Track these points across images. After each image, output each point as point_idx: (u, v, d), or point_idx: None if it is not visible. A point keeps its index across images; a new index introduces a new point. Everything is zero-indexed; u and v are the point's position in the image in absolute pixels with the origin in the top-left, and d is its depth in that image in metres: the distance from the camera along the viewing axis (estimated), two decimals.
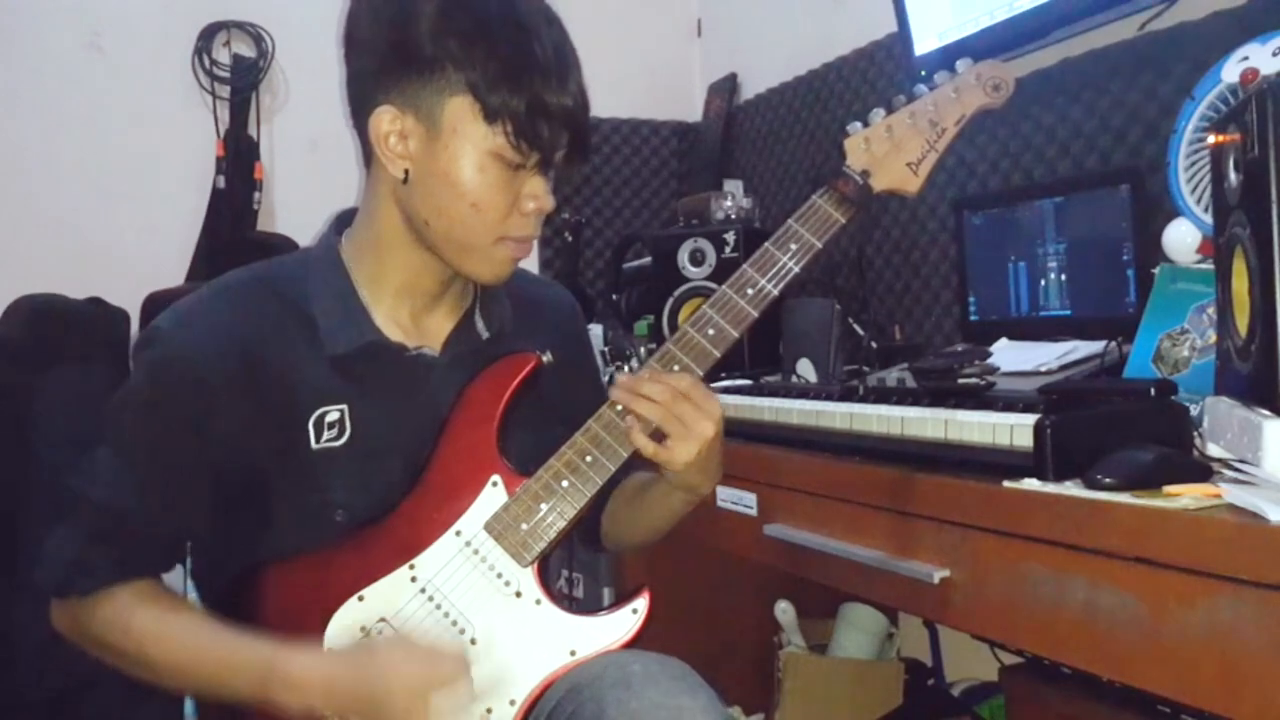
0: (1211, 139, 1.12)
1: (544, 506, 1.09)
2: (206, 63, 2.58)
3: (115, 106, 2.53)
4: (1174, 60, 1.62)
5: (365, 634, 1.08)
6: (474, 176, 1.08)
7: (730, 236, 2.10)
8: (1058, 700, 1.67)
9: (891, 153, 1.17)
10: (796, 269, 1.13)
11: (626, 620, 1.10)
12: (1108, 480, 0.99)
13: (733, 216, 2.16)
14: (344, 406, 1.13)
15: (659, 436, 1.11)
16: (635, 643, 1.10)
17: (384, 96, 1.08)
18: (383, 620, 1.08)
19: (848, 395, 1.40)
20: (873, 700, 2.02)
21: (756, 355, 1.92)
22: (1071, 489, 1.02)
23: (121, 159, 2.53)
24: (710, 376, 1.14)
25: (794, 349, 1.73)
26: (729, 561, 1.86)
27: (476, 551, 1.09)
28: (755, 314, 1.13)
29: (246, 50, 2.62)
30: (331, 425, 1.13)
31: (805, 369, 1.70)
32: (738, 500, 1.52)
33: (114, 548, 1.10)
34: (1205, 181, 1.34)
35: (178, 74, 2.57)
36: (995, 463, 1.11)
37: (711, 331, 1.12)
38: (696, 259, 2.13)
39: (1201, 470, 1.00)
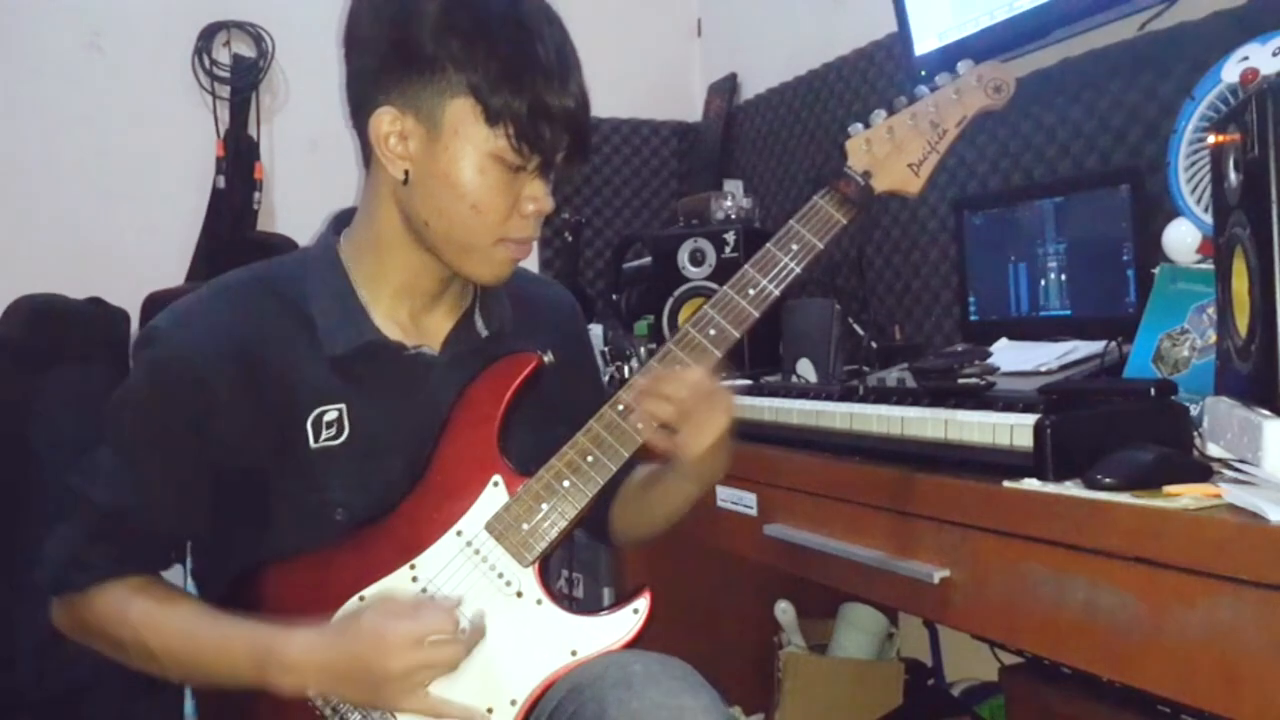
0: (1211, 139, 1.12)
1: (545, 506, 1.09)
2: (206, 63, 2.58)
3: (115, 106, 2.53)
4: (1174, 60, 1.62)
5: None
6: (474, 178, 1.08)
7: (730, 236, 2.10)
8: (1058, 700, 1.67)
9: (893, 154, 1.17)
10: (798, 269, 1.13)
11: (627, 620, 1.10)
12: (1108, 480, 0.99)
13: (733, 216, 2.16)
14: (342, 406, 1.13)
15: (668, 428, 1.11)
16: (636, 643, 1.10)
17: (384, 97, 1.08)
18: None
19: (848, 395, 1.40)
20: (873, 700, 2.02)
21: (756, 355, 1.92)
22: (1071, 489, 1.02)
23: (121, 159, 2.53)
24: None
25: (794, 349, 1.73)
26: (729, 561, 1.86)
27: (477, 551, 1.09)
28: (756, 314, 1.13)
29: (246, 50, 2.62)
30: (330, 424, 1.13)
31: (805, 369, 1.70)
32: (738, 500, 1.52)
33: (113, 546, 1.10)
34: (1205, 181, 1.34)
35: (178, 74, 2.57)
36: (995, 463, 1.11)
37: (713, 332, 1.12)
38: (696, 259, 2.13)
39: (1201, 470, 1.00)
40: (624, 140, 3.03)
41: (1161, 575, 0.92)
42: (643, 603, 1.10)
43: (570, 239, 2.56)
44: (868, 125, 1.18)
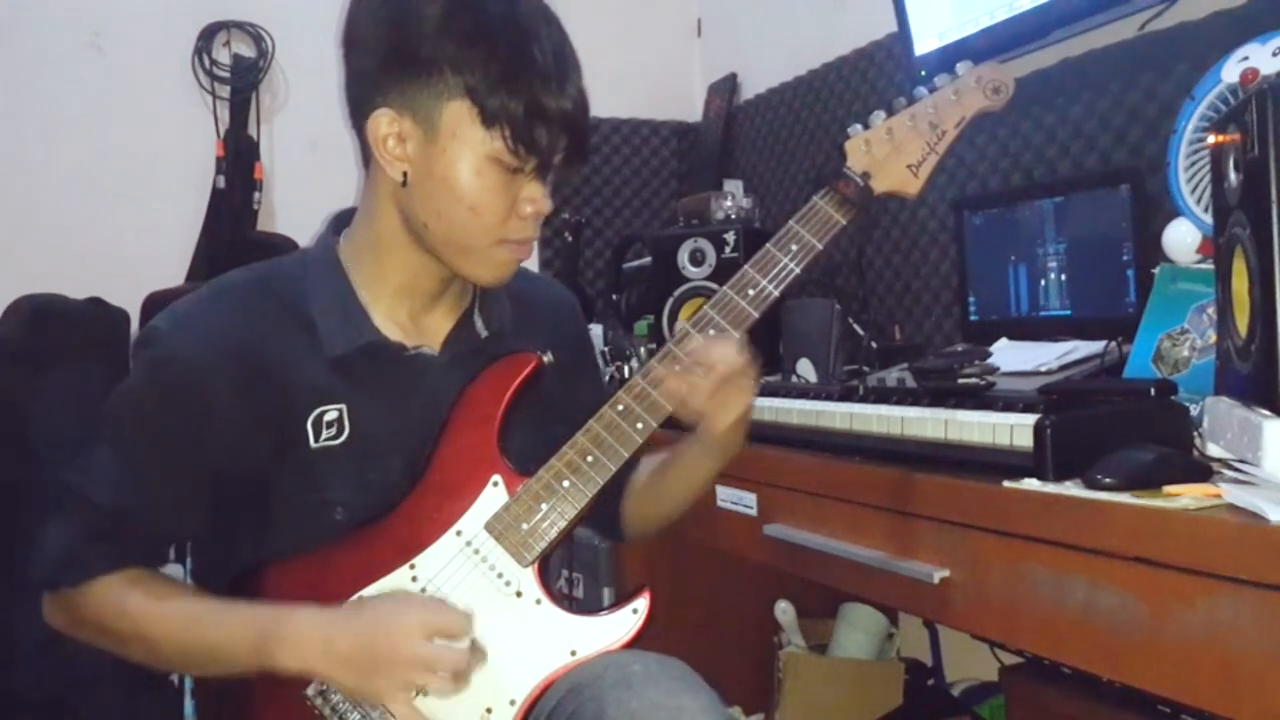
0: (1211, 139, 1.12)
1: (545, 506, 1.09)
2: (206, 63, 2.58)
3: (115, 106, 2.53)
4: (1174, 60, 1.62)
5: None
6: (472, 180, 1.08)
7: (730, 236, 2.10)
8: (1058, 700, 1.67)
9: (892, 155, 1.17)
10: (797, 270, 1.13)
11: (627, 620, 1.10)
12: (1108, 480, 0.99)
13: (733, 216, 2.16)
14: (343, 406, 1.13)
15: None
16: (635, 643, 1.10)
17: (382, 99, 1.08)
18: None
19: (848, 395, 1.40)
20: (873, 700, 2.02)
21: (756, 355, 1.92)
22: (1071, 489, 1.02)
23: (121, 159, 2.53)
24: None
25: (794, 349, 1.73)
26: (729, 561, 1.86)
27: (477, 551, 1.09)
28: (756, 315, 1.13)
29: (246, 50, 2.62)
30: (330, 424, 1.13)
31: (805, 369, 1.70)
32: (738, 500, 1.52)
33: (109, 544, 1.10)
34: (1205, 181, 1.34)
35: (178, 74, 2.57)
36: (995, 463, 1.11)
37: (712, 332, 1.12)
38: (696, 259, 2.13)
39: (1201, 470, 1.00)
40: (624, 140, 3.03)
41: (1161, 575, 0.92)
42: (642, 603, 1.10)
43: (570, 239, 2.56)
44: (867, 126, 1.18)
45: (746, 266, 1.14)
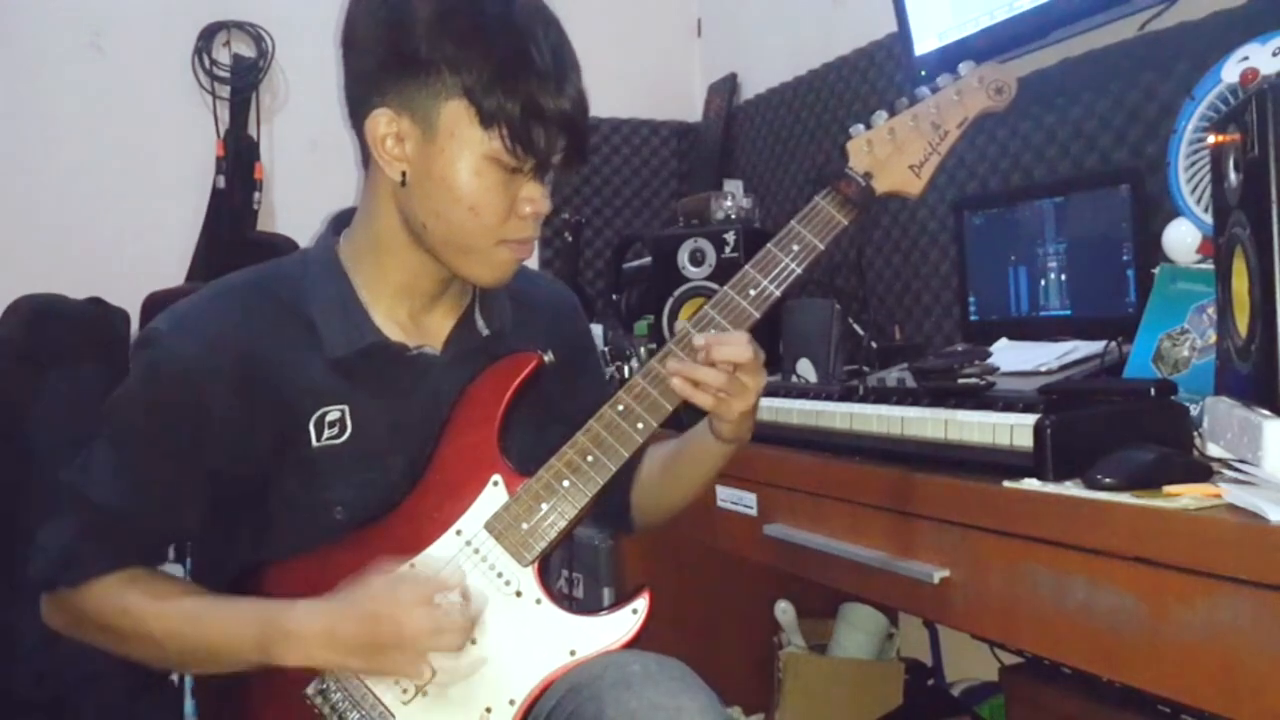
0: (1211, 139, 1.12)
1: (545, 506, 1.09)
2: (206, 63, 2.58)
3: (115, 106, 2.53)
4: (1174, 60, 1.62)
5: None
6: (470, 180, 1.08)
7: (730, 236, 2.10)
8: (1058, 700, 1.67)
9: (894, 155, 1.17)
10: (799, 270, 1.13)
11: (626, 620, 1.10)
12: (1108, 480, 0.99)
13: (733, 216, 2.16)
14: (344, 407, 1.13)
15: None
16: (635, 643, 1.10)
17: (380, 99, 1.08)
18: None
19: (848, 395, 1.40)
20: (873, 700, 2.02)
21: None
22: (1071, 489, 1.02)
23: (121, 159, 2.53)
24: None
25: (794, 349, 1.73)
26: (729, 561, 1.86)
27: (477, 551, 1.09)
28: (757, 315, 1.13)
29: (246, 50, 2.62)
30: (332, 424, 1.13)
31: (805, 369, 1.70)
32: (738, 500, 1.52)
33: (107, 544, 1.11)
34: (1205, 181, 1.34)
35: (178, 74, 2.57)
36: (995, 463, 1.11)
37: (713, 332, 1.12)
38: (696, 259, 2.13)
39: (1201, 470, 1.00)
40: (624, 140, 3.03)
41: (1161, 575, 0.92)
42: (642, 603, 1.10)
43: (570, 239, 2.56)
44: (869, 126, 1.18)
45: (748, 266, 1.14)
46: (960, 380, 1.24)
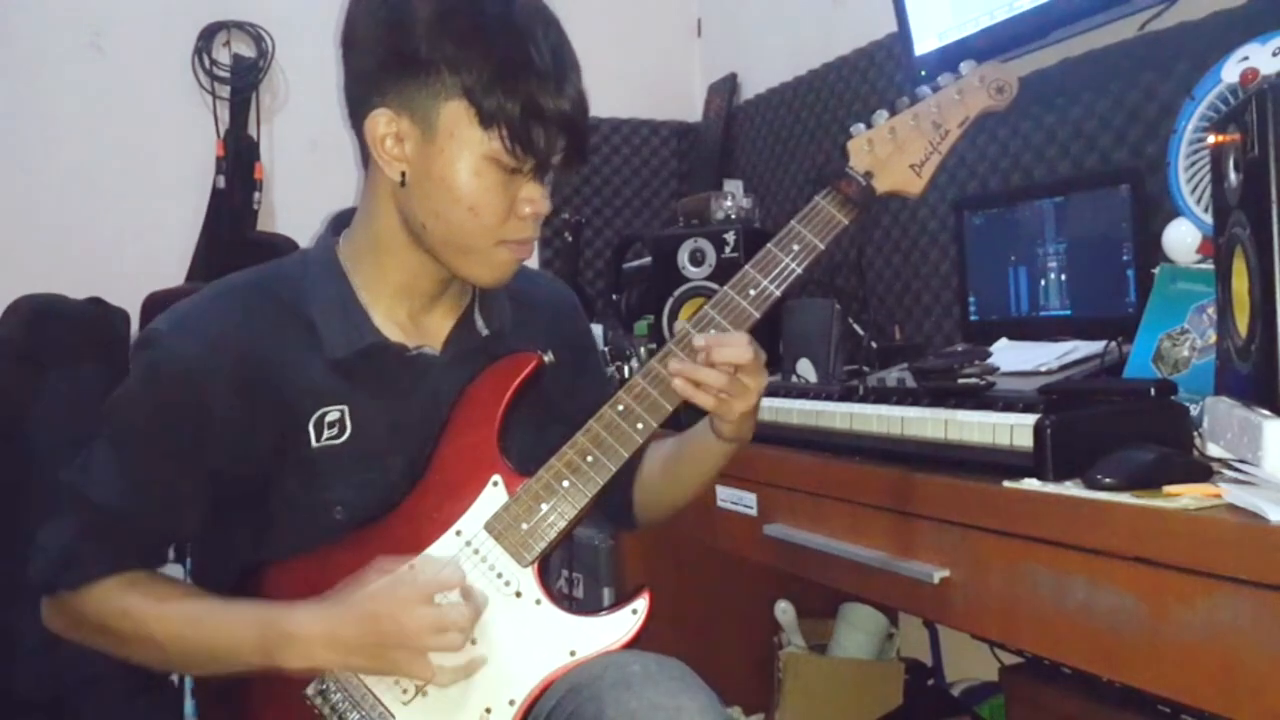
0: (1211, 139, 1.12)
1: (544, 506, 1.09)
2: (206, 63, 2.58)
3: (115, 106, 2.53)
4: (1174, 60, 1.62)
5: None
6: (470, 180, 1.08)
7: (730, 236, 2.10)
8: (1058, 700, 1.67)
9: (894, 154, 1.17)
10: (799, 270, 1.13)
11: (626, 621, 1.10)
12: (1108, 480, 0.99)
13: (733, 216, 2.16)
14: (344, 407, 1.13)
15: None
16: (635, 643, 1.10)
17: (380, 99, 1.08)
18: None
19: (848, 395, 1.40)
20: (873, 700, 2.02)
21: None
22: (1071, 489, 1.02)
23: (121, 159, 2.53)
24: None
25: (794, 349, 1.73)
26: (729, 561, 1.86)
27: (477, 551, 1.09)
28: (757, 315, 1.13)
29: (246, 50, 2.62)
30: (332, 425, 1.13)
31: (805, 369, 1.70)
32: (738, 500, 1.52)
33: (107, 545, 1.10)
34: (1205, 181, 1.34)
35: (178, 74, 2.57)
36: (995, 463, 1.11)
37: (713, 332, 1.12)
38: (696, 259, 2.13)
39: (1201, 470, 1.00)
40: (624, 140, 3.03)
41: (1161, 575, 0.92)
42: (641, 603, 1.10)
43: (570, 239, 2.56)
44: (870, 125, 1.18)
45: (748, 266, 1.14)
46: (960, 380, 1.24)
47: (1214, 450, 1.07)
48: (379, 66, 1.08)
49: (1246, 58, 1.31)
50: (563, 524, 1.09)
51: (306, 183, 2.60)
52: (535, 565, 1.10)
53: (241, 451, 1.11)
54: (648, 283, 2.32)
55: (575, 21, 1.13)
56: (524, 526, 1.09)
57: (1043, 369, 1.36)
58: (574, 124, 1.08)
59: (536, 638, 1.08)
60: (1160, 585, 0.92)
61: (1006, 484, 1.07)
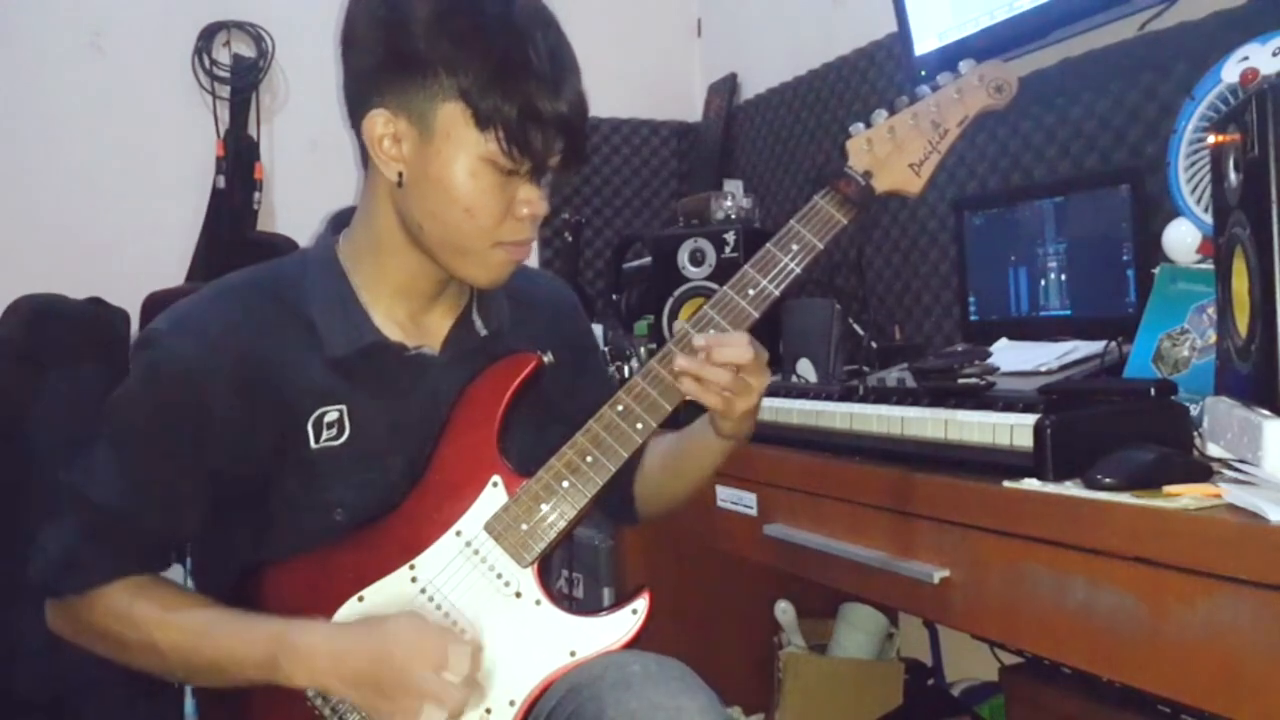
0: (1211, 139, 1.12)
1: (544, 507, 1.09)
2: (206, 63, 2.58)
3: (115, 106, 2.53)
4: (1174, 60, 1.62)
5: None
6: (466, 181, 1.08)
7: (730, 236, 2.10)
8: (1058, 700, 1.67)
9: (894, 154, 1.17)
10: (798, 270, 1.13)
11: (626, 621, 1.10)
12: (1108, 480, 0.99)
13: (733, 216, 2.16)
14: (343, 407, 1.13)
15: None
16: (635, 643, 1.10)
17: (378, 99, 1.08)
18: None
19: (848, 395, 1.40)
20: (873, 700, 2.02)
21: None
22: (1071, 489, 1.02)
23: (121, 159, 2.53)
24: None
25: (794, 349, 1.73)
26: (729, 561, 1.86)
27: (477, 552, 1.09)
28: (756, 315, 1.13)
29: (246, 50, 2.62)
30: (331, 425, 1.13)
31: (805, 369, 1.70)
32: (738, 500, 1.52)
33: (110, 547, 1.10)
34: (1205, 181, 1.34)
35: (178, 74, 2.57)
36: (995, 463, 1.11)
37: (713, 333, 1.12)
38: (696, 259, 2.13)
39: (1201, 470, 1.00)
40: (624, 140, 3.03)
41: (1161, 575, 0.92)
42: (641, 603, 1.10)
43: (570, 239, 2.55)
44: (869, 125, 1.18)
45: (747, 266, 1.14)
46: (960, 380, 1.24)
47: (1214, 450, 1.07)
48: (377, 66, 1.08)
49: (1246, 58, 1.30)
50: (563, 524, 1.09)
51: (306, 183, 2.60)
52: (535, 566, 1.10)
53: (241, 451, 1.11)
54: (648, 283, 2.32)
55: (575, 21, 1.13)
56: (524, 527, 1.09)
57: (1043, 369, 1.36)
58: (571, 126, 1.08)
59: (536, 638, 1.08)
60: (1160, 585, 0.92)
61: (1006, 484, 1.07)
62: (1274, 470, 0.95)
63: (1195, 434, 1.10)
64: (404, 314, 1.18)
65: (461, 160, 1.07)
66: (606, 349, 2.05)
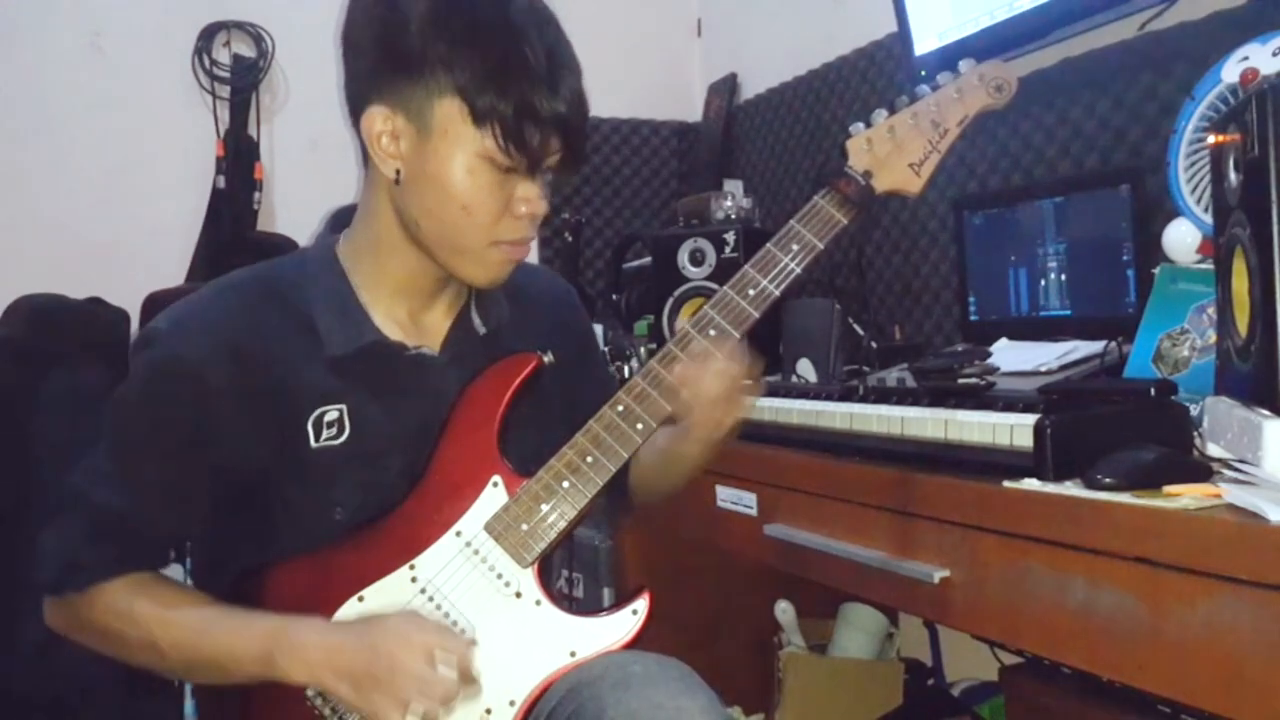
0: (1211, 139, 1.12)
1: (545, 507, 1.09)
2: (206, 63, 2.58)
3: (115, 106, 2.53)
4: (1174, 60, 1.62)
5: None
6: (464, 179, 1.08)
7: (730, 236, 2.10)
8: (1058, 700, 1.67)
9: (894, 153, 1.17)
10: (798, 270, 1.13)
11: (626, 621, 1.10)
12: (1108, 480, 0.99)
13: (733, 216, 2.16)
14: (343, 406, 1.13)
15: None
16: (635, 643, 1.10)
17: (377, 96, 1.08)
18: None
19: (848, 395, 1.40)
20: (873, 700, 2.02)
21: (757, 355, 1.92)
22: (1071, 489, 1.02)
23: (121, 159, 2.53)
24: None
25: (794, 349, 1.73)
26: (729, 561, 1.86)
27: (477, 552, 1.09)
28: (757, 315, 1.13)
29: (246, 50, 2.62)
30: (330, 424, 1.13)
31: (805, 369, 1.70)
32: (738, 500, 1.52)
33: (111, 546, 1.10)
34: (1205, 181, 1.34)
35: (178, 74, 2.57)
36: (995, 463, 1.11)
37: (713, 333, 1.12)
38: (696, 259, 2.13)
39: (1201, 470, 1.00)
40: (624, 140, 3.03)
41: (1161, 575, 0.92)
42: (642, 603, 1.10)
43: (570, 239, 2.56)
44: (869, 125, 1.18)
45: (747, 266, 1.14)
46: (960, 380, 1.24)
47: (1214, 450, 1.07)
48: (375, 64, 1.08)
49: (1246, 58, 1.30)
50: (563, 524, 1.09)
51: (306, 183, 2.60)
52: (535, 566, 1.10)
53: (242, 451, 1.11)
54: (648, 283, 2.32)
55: (575, 21, 1.13)
56: (524, 527, 1.09)
57: (1043, 369, 1.36)
58: (569, 125, 1.08)
59: (536, 638, 1.08)
60: (1160, 585, 0.92)
61: (1006, 484, 1.07)
62: (1274, 470, 0.95)
63: (1195, 434, 1.10)
64: (404, 313, 1.18)
65: (459, 157, 1.07)
66: (606, 349, 2.05)
